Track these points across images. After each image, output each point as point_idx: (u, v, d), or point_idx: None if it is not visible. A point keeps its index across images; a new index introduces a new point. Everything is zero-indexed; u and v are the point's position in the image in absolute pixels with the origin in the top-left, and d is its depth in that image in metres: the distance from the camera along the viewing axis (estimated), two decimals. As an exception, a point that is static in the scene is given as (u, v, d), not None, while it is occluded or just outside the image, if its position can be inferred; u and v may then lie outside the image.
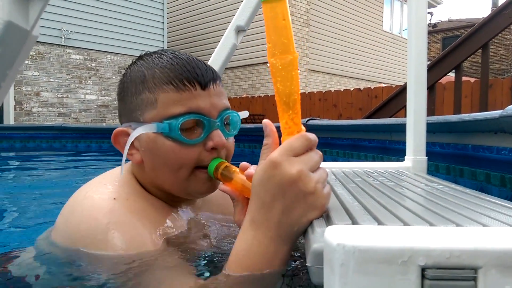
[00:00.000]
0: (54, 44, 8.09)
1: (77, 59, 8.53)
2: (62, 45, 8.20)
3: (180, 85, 0.79)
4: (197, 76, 0.80)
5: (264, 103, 10.01)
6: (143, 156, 0.84)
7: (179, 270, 0.74)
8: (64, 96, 8.39)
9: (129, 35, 9.24)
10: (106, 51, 8.92)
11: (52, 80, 8.20)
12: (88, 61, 8.69)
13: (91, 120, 8.79)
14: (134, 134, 0.80)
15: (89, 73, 8.74)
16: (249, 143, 3.77)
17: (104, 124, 8.95)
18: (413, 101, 1.26)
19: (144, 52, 0.89)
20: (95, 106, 8.85)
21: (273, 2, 0.56)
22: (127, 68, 0.88)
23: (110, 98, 9.10)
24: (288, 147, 0.58)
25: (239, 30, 1.48)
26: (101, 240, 0.74)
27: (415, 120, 1.25)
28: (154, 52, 0.87)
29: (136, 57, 0.88)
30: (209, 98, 0.81)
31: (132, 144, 0.82)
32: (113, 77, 9.15)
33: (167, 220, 0.85)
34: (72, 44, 8.32)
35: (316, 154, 0.61)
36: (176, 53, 0.86)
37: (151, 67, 0.82)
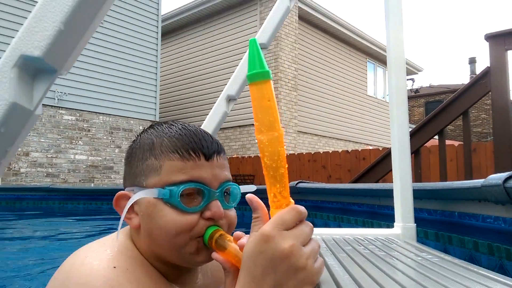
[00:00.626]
0: (47, 105, 8.21)
1: (69, 119, 8.62)
2: (55, 106, 8.32)
3: (185, 154, 0.82)
4: (203, 147, 0.83)
5: (254, 164, 10.07)
6: (141, 221, 0.84)
7: None
8: (54, 156, 8.35)
9: (122, 97, 9.46)
10: (98, 112, 9.06)
11: (42, 140, 8.22)
12: (80, 121, 8.79)
13: (80, 181, 8.69)
14: (135, 197, 0.81)
15: (80, 133, 8.80)
16: (239, 205, 3.74)
17: (92, 184, 8.84)
18: (398, 168, 1.29)
19: (156, 122, 0.93)
20: (84, 166, 8.79)
21: (259, 83, 0.61)
22: (137, 135, 0.92)
23: (100, 158, 9.08)
24: (279, 221, 0.59)
25: (230, 99, 1.54)
26: None
27: (402, 186, 1.27)
28: (165, 122, 0.92)
29: (148, 126, 0.93)
30: (211, 169, 0.83)
31: (132, 208, 0.84)
32: (104, 137, 9.20)
33: None
34: (65, 105, 8.45)
35: (307, 226, 0.62)
36: (186, 124, 0.90)
37: (161, 135, 0.86)
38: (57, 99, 8.26)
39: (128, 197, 0.85)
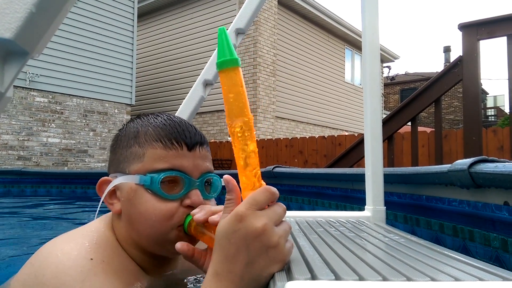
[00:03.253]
0: (18, 86, 7.94)
1: (41, 101, 8.37)
2: (26, 87, 8.05)
3: (168, 143, 0.85)
4: (185, 137, 0.86)
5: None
6: (122, 206, 0.86)
7: None
8: (26, 139, 8.12)
9: (96, 79, 9.23)
10: (72, 95, 8.83)
11: (13, 122, 7.96)
12: (52, 104, 8.54)
13: (52, 164, 8.50)
14: (116, 181, 0.84)
15: (53, 115, 8.56)
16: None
17: (66, 168, 8.66)
18: (370, 154, 1.33)
19: (143, 113, 0.96)
20: (57, 150, 8.60)
21: (228, 71, 0.63)
22: (124, 124, 0.94)
23: (74, 142, 8.89)
24: (252, 201, 0.61)
25: (207, 84, 1.54)
26: None
27: (373, 172, 1.32)
28: (152, 113, 0.94)
29: (135, 116, 0.95)
30: (193, 159, 0.86)
31: (114, 193, 0.87)
32: (78, 120, 8.99)
33: (139, 286, 0.85)
34: (37, 86, 8.19)
35: (280, 207, 0.64)
36: (171, 116, 0.93)
37: (146, 125, 0.88)
38: (29, 80, 7.99)
39: (110, 182, 0.87)
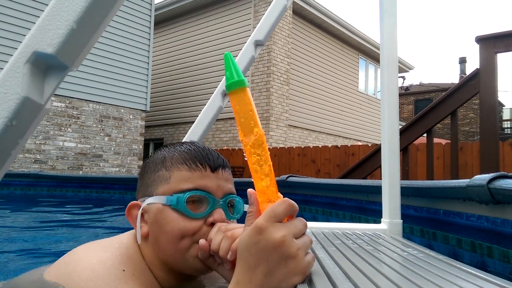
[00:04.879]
0: (36, 91, 8.09)
1: (58, 106, 8.53)
2: (44, 92, 8.20)
3: (193, 165, 0.91)
4: (209, 160, 0.92)
5: (244, 156, 10.10)
6: (149, 228, 0.91)
7: None
8: (42, 142, 8.27)
9: (112, 85, 9.37)
10: (88, 100, 8.98)
11: (30, 126, 8.11)
12: (69, 108, 8.70)
13: (68, 168, 8.63)
14: (146, 201, 0.89)
15: (69, 120, 8.72)
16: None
17: (81, 172, 8.78)
18: (387, 165, 1.34)
19: (170, 143, 1.03)
20: (73, 154, 8.73)
21: (238, 92, 0.67)
22: (151, 153, 1.01)
23: (89, 146, 9.02)
24: (271, 213, 0.63)
25: (225, 94, 1.57)
26: None
27: (390, 184, 1.32)
28: (178, 142, 1.02)
29: (163, 145, 1.02)
30: (216, 180, 0.91)
31: (142, 217, 0.91)
32: (94, 125, 9.13)
33: None
34: (55, 91, 8.34)
35: (300, 222, 0.66)
36: (196, 143, 0.99)
37: (172, 151, 0.95)
38: (47, 85, 8.15)
39: (140, 207, 0.92)
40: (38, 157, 8.20)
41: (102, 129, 9.28)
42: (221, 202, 0.90)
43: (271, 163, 0.68)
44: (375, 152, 3.37)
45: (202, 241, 0.82)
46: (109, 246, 0.91)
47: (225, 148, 11.19)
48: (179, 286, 0.94)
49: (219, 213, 0.89)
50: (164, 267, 0.91)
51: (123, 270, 0.84)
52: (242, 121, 0.67)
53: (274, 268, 0.61)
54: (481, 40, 3.05)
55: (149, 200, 0.89)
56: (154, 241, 0.90)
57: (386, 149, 1.32)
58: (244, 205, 0.95)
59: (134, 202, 0.94)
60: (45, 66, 0.55)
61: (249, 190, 0.69)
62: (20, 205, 4.29)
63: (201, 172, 0.90)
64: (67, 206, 4.25)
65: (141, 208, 0.90)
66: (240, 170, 9.73)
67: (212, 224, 0.88)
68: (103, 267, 0.82)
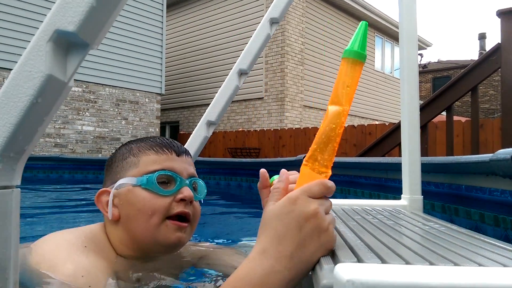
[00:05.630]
0: (53, 76, 8.20)
1: (76, 91, 8.64)
2: (61, 77, 8.31)
3: (159, 150, 1.00)
4: (173, 146, 1.02)
5: (259, 137, 10.11)
6: (120, 210, 0.97)
7: None
8: (62, 127, 8.43)
9: (127, 69, 9.42)
10: (104, 84, 9.06)
11: (49, 111, 8.26)
12: (86, 93, 8.81)
13: (87, 151, 8.80)
14: (117, 184, 0.97)
15: (87, 104, 8.83)
16: (246, 177, 3.81)
17: (100, 155, 8.94)
18: (407, 141, 1.32)
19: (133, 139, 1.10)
20: (91, 137, 8.88)
21: (354, 62, 0.64)
22: (116, 148, 1.10)
23: (107, 130, 9.15)
24: (307, 189, 0.62)
25: (242, 73, 1.56)
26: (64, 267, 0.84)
27: (410, 160, 1.30)
28: (141, 137, 1.12)
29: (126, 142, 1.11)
30: (182, 163, 1.01)
31: (112, 202, 0.98)
32: (111, 109, 9.24)
33: (125, 272, 0.96)
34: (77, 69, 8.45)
35: (328, 201, 0.65)
36: (159, 137, 1.08)
37: (138, 142, 1.05)
38: (64, 70, 8.25)
39: (109, 193, 0.98)
40: (58, 141, 8.37)
41: (119, 113, 9.39)
42: (187, 182, 0.99)
43: (338, 142, 0.66)
44: (394, 130, 3.32)
45: (263, 170, 0.82)
46: (76, 230, 0.99)
47: (240, 129, 11.21)
48: (144, 264, 1.00)
49: (187, 190, 0.97)
50: (135, 247, 0.97)
51: (85, 246, 0.90)
52: (340, 90, 0.64)
53: (307, 239, 0.60)
54: (503, 13, 2.94)
55: (120, 181, 0.96)
56: (126, 221, 0.96)
57: (406, 124, 1.30)
58: (206, 188, 1.07)
59: (103, 189, 1.01)
60: (67, 44, 0.56)
61: (283, 170, 0.71)
62: (43, 187, 4.41)
63: (167, 155, 0.99)
64: (88, 188, 4.35)
65: (112, 192, 0.97)
66: (256, 151, 9.76)
67: (182, 200, 0.96)
68: (67, 243, 0.89)
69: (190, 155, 1.07)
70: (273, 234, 0.61)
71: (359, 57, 0.64)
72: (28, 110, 0.51)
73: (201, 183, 1.05)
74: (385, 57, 15.64)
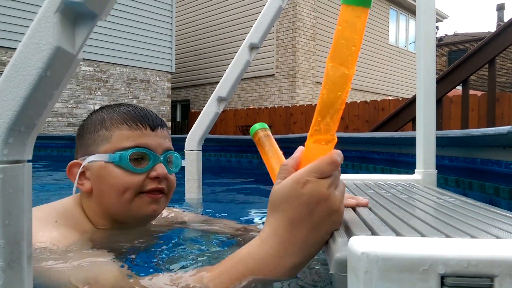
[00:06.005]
0: (64, 55, 8.21)
1: (87, 70, 8.66)
2: (72, 56, 8.32)
3: (133, 125, 0.98)
4: (148, 120, 1.00)
5: (271, 115, 10.06)
6: (92, 184, 0.98)
7: (104, 262, 0.82)
8: (74, 106, 8.50)
9: (138, 48, 9.38)
10: (115, 63, 9.05)
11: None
12: (98, 72, 8.82)
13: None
14: (88, 159, 0.96)
15: (98, 84, 8.86)
16: (257, 154, 3.80)
17: (112, 134, 9.03)
18: (422, 115, 1.29)
19: (106, 105, 1.08)
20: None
21: (356, 9, 0.52)
22: (88, 115, 1.07)
23: (119, 109, 9.21)
24: (317, 170, 0.58)
25: (253, 47, 1.53)
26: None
27: (425, 133, 1.28)
28: (114, 104, 1.08)
29: (98, 108, 1.08)
30: (156, 138, 0.99)
31: (84, 174, 0.98)
32: (122, 88, 9.26)
33: (102, 243, 0.97)
34: (83, 56, 8.45)
35: (337, 176, 0.62)
36: (133, 105, 1.06)
37: (110, 112, 1.01)
38: (74, 49, 8.26)
39: (80, 165, 0.98)
40: (71, 120, 8.46)
41: (130, 92, 9.41)
42: (161, 158, 0.99)
43: (343, 106, 0.58)
44: (407, 104, 3.27)
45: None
46: (47, 206, 0.99)
47: (251, 107, 11.17)
48: (122, 234, 1.02)
49: (161, 167, 0.97)
50: (109, 217, 0.99)
51: (56, 222, 0.91)
52: (341, 44, 0.53)
53: (320, 222, 0.59)
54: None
55: (91, 158, 0.95)
56: (98, 195, 0.97)
57: (421, 97, 1.27)
58: (182, 160, 1.07)
59: (74, 161, 1.00)
60: (75, 15, 0.54)
61: (300, 147, 0.65)
62: (57, 165, 4.48)
63: (141, 131, 0.98)
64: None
65: (82, 166, 0.96)
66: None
67: (155, 178, 0.96)
68: (37, 221, 0.86)
69: (167, 127, 1.06)
70: (285, 218, 0.60)
71: (363, 3, 0.52)
72: (37, 84, 0.50)
73: (176, 156, 1.06)
74: (399, 30, 15.25)
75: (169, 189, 1.03)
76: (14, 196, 0.54)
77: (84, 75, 8.60)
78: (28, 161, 0.58)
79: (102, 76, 8.90)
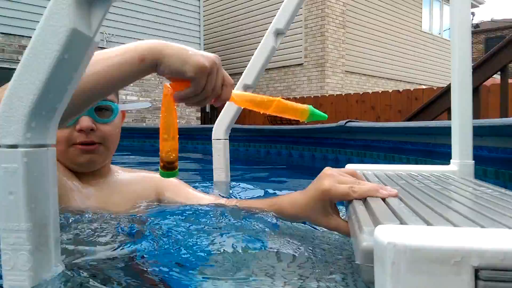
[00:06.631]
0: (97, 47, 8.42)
1: (118, 62, 8.85)
2: (103, 47, 8.53)
3: None
4: None
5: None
6: None
7: None
8: (106, 97, 8.72)
9: (166, 38, 9.47)
10: (146, 54, 9.20)
11: (95, 82, 8.56)
12: (129, 63, 9.00)
13: (132, 120, 9.09)
14: None
15: (129, 75, 9.05)
16: (286, 144, 3.77)
17: (144, 124, 9.22)
18: (457, 104, 1.22)
19: None
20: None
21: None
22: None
23: (150, 99, 9.37)
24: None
25: (278, 33, 1.50)
26: None
27: (461, 123, 1.21)
28: None
29: None
30: None
31: None
32: (152, 78, 9.41)
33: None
34: (113, 46, 8.63)
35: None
36: None
37: None
38: (106, 40, 8.45)
39: None
40: (104, 111, 8.68)
41: (160, 82, 9.56)
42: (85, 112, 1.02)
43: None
44: (442, 93, 3.14)
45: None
46: None
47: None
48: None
49: (84, 121, 1.01)
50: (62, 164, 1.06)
51: None
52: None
53: None
54: None
55: None
56: None
57: (456, 83, 1.21)
58: (118, 106, 1.11)
59: None
60: (90, -4, 0.54)
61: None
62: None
63: None
64: (133, 154, 4.52)
65: None
66: (296, 120, 9.65)
67: (80, 131, 1.01)
68: None
69: None
70: None
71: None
72: (56, 66, 0.50)
73: (108, 104, 1.08)
74: (433, 16, 14.68)
75: (104, 138, 1.07)
76: (39, 180, 0.54)
77: (116, 66, 8.79)
78: (52, 145, 0.58)
79: (133, 67, 9.07)
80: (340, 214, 0.86)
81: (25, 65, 0.51)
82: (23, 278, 0.54)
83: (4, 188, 0.53)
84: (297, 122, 9.91)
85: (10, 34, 7.29)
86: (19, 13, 7.33)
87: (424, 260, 0.40)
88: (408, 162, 1.96)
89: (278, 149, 3.85)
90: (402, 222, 0.53)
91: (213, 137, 1.64)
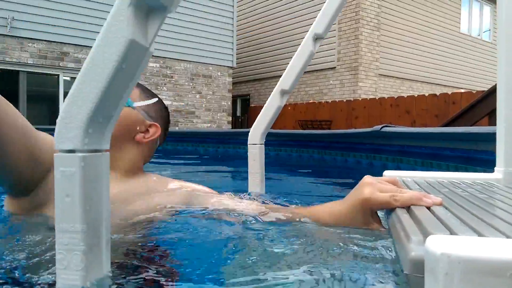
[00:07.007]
0: (134, 53, 8.69)
1: (154, 66, 9.08)
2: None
3: None
4: None
5: (331, 109, 9.87)
6: None
7: None
8: (142, 101, 8.95)
9: (200, 44, 9.65)
10: (180, 59, 9.39)
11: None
12: (164, 68, 9.22)
13: (165, 124, 9.29)
14: None
15: (164, 79, 9.26)
16: (318, 149, 3.75)
17: (177, 128, 9.40)
18: (504, 108, 1.18)
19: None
20: (169, 111, 9.34)
21: None
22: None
23: (183, 104, 9.56)
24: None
25: (317, 38, 1.50)
26: None
27: (507, 128, 1.17)
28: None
29: None
30: None
31: None
32: (186, 83, 9.59)
33: None
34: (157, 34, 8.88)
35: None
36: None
37: None
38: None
39: None
40: (140, 115, 8.91)
41: (194, 87, 9.72)
42: None
43: None
44: (484, 97, 3.03)
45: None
46: None
47: (311, 101, 11.04)
48: None
49: None
50: None
51: None
52: None
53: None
54: None
55: None
56: None
57: (503, 86, 1.16)
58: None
59: None
60: (146, 8, 0.56)
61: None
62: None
63: None
64: (168, 158, 4.61)
65: None
66: (328, 123, 9.57)
67: None
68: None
69: None
70: None
71: None
72: (114, 76, 0.52)
73: None
74: (472, 17, 14.18)
75: None
76: (94, 183, 0.57)
77: (152, 71, 9.02)
78: (106, 150, 0.60)
79: (168, 72, 9.28)
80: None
81: (84, 74, 0.54)
82: (76, 278, 0.55)
83: (61, 191, 0.55)
84: (328, 128, 9.81)
85: (52, 42, 7.64)
86: (61, 21, 7.67)
87: (478, 272, 0.39)
88: (447, 169, 1.91)
89: (310, 154, 3.82)
90: (451, 232, 0.52)
91: (249, 142, 1.65)
